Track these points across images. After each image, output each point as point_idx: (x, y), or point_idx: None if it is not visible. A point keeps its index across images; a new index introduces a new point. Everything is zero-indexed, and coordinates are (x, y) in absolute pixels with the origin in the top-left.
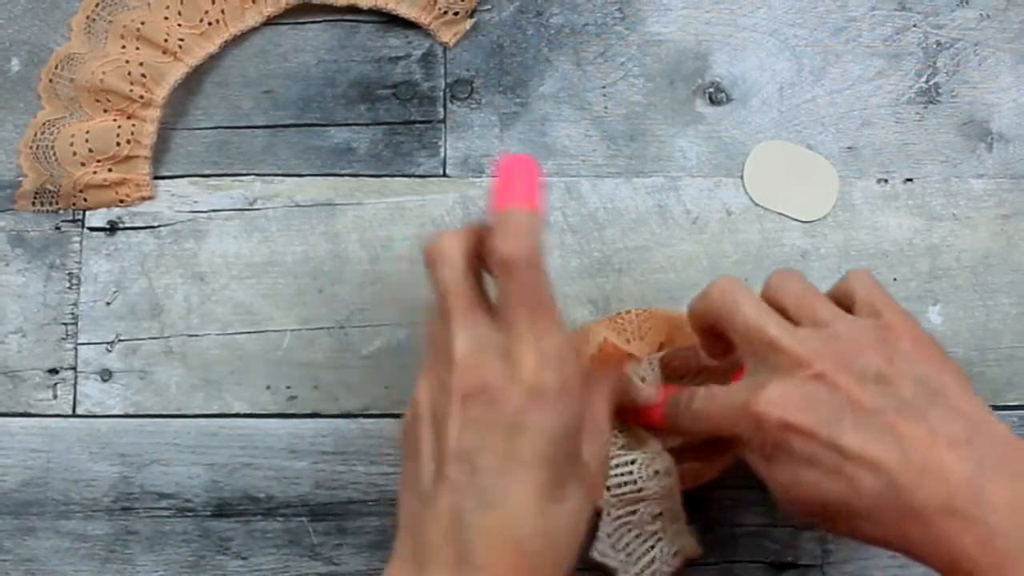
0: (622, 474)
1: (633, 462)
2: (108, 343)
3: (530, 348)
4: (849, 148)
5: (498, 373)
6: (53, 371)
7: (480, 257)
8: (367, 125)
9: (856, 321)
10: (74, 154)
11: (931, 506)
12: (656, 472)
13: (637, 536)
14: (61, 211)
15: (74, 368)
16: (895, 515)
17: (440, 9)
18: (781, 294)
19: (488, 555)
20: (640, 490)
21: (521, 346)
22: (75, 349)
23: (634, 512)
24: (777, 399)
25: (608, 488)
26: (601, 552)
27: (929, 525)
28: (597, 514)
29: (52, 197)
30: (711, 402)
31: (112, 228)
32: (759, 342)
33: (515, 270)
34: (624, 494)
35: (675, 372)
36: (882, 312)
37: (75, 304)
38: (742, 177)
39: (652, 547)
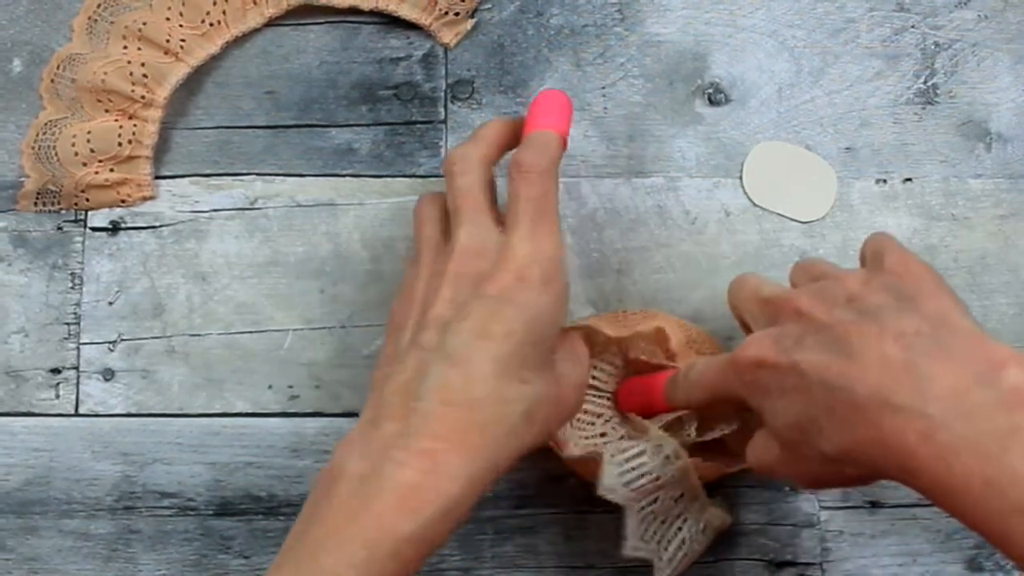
0: (635, 467)
1: (642, 452)
2: (110, 343)
3: (525, 243)
4: (847, 149)
5: (491, 259)
6: (55, 371)
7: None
8: (368, 126)
9: (855, 269)
10: (76, 154)
11: (874, 401)
12: (667, 457)
13: (663, 523)
14: (63, 211)
15: (76, 368)
16: (847, 421)
17: (441, 10)
18: (798, 271)
19: (437, 410)
20: (657, 478)
21: (518, 240)
22: (77, 349)
23: (655, 500)
24: (752, 344)
25: (626, 485)
26: (633, 547)
27: (876, 425)
28: (619, 509)
29: (54, 197)
30: (705, 367)
31: (114, 228)
32: (756, 305)
33: (528, 176)
34: (642, 486)
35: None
36: (884, 255)
37: (77, 304)
38: (741, 178)
39: (680, 529)
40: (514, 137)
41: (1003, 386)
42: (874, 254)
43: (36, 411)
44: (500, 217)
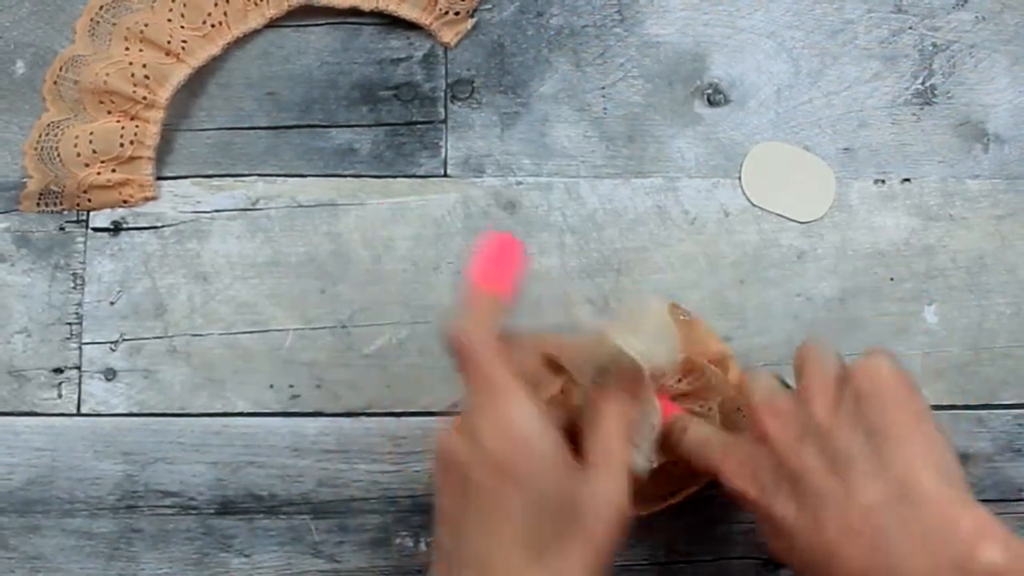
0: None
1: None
2: (112, 343)
3: (487, 423)
4: (846, 149)
5: (466, 449)
6: (58, 370)
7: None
8: (369, 126)
9: (825, 384)
10: (78, 155)
11: (852, 572)
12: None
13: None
14: (65, 212)
15: (79, 367)
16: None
17: (441, 9)
18: (799, 365)
19: None
20: None
21: (480, 422)
22: (79, 349)
23: None
24: (737, 474)
25: None
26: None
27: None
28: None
29: (56, 198)
30: (701, 441)
31: (116, 228)
32: (745, 406)
33: (467, 352)
34: None
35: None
36: (853, 372)
37: (79, 304)
38: (740, 178)
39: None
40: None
41: (979, 570)
42: (841, 368)
43: (39, 411)
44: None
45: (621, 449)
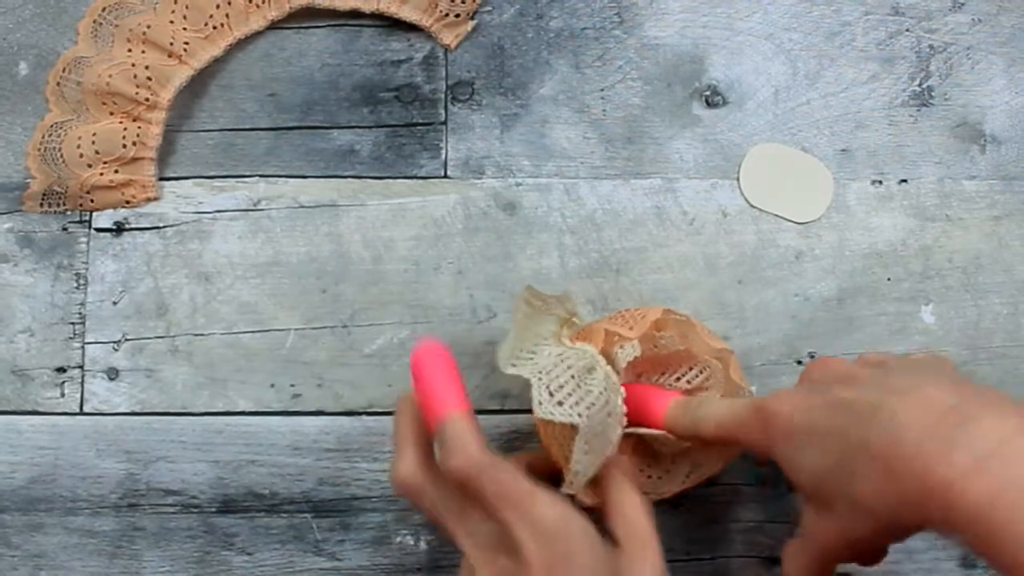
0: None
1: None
2: (115, 342)
3: (525, 534)
4: (843, 150)
5: (511, 567)
6: (61, 370)
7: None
8: (370, 127)
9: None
10: (81, 156)
11: (919, 440)
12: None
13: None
14: (68, 212)
15: (81, 367)
16: (887, 462)
17: (441, 12)
18: (811, 369)
19: None
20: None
21: (517, 536)
22: (82, 348)
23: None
24: (783, 393)
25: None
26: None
27: (920, 465)
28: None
29: (59, 198)
30: (725, 408)
31: (118, 229)
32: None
33: (472, 480)
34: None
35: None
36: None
37: (82, 304)
38: (738, 179)
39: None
40: (422, 417)
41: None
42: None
43: (41, 410)
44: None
45: (647, 524)
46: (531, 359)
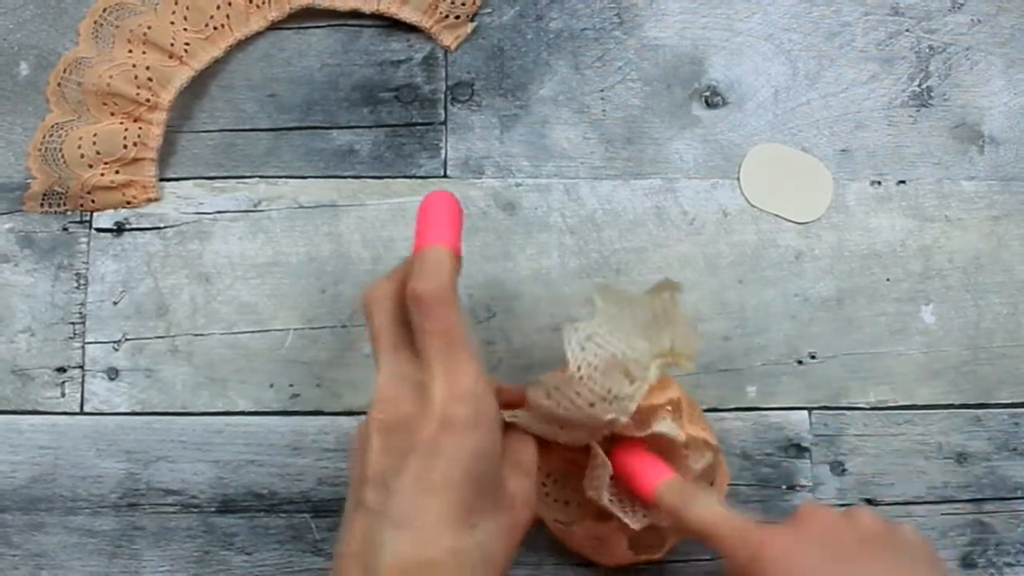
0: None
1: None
2: (115, 342)
3: (441, 382)
4: (843, 150)
5: (413, 405)
6: (61, 369)
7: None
8: (369, 127)
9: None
10: (82, 156)
11: None
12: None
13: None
14: (69, 212)
15: (82, 367)
16: None
17: (441, 13)
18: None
19: (395, 574)
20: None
21: (434, 380)
22: (82, 348)
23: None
24: (782, 538)
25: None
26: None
27: None
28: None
29: (60, 199)
30: (714, 505)
31: (119, 229)
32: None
33: (426, 306)
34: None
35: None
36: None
37: (82, 304)
38: (738, 179)
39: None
40: None
41: None
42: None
43: (42, 409)
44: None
45: (534, 459)
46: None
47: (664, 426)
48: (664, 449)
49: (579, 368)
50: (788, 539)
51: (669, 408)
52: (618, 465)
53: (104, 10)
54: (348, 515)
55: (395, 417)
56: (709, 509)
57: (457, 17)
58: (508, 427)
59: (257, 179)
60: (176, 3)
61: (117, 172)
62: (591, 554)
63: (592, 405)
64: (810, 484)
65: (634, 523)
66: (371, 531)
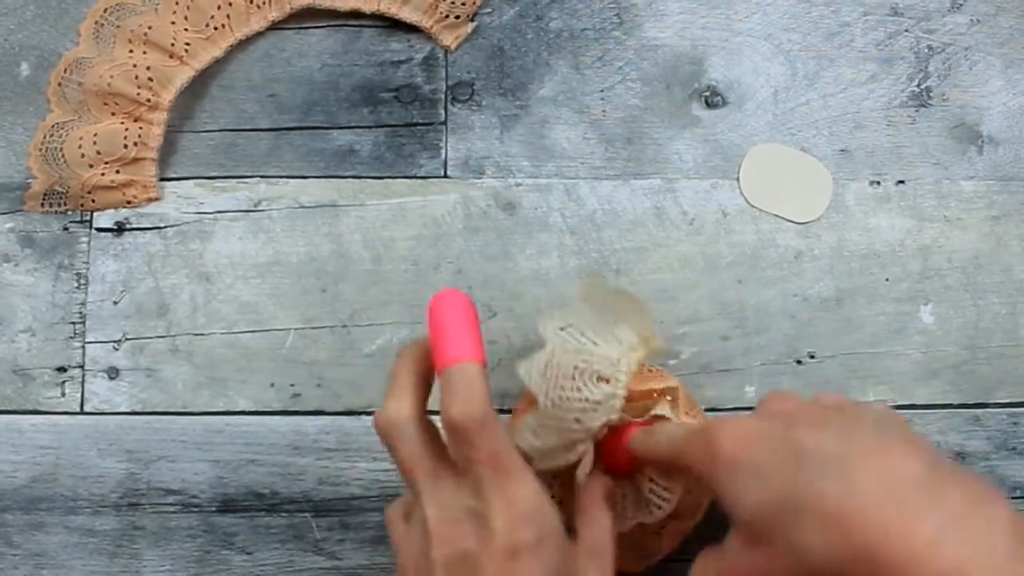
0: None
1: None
2: (115, 342)
3: (500, 510)
4: (842, 151)
5: (473, 538)
6: (61, 369)
7: (426, 394)
8: (370, 128)
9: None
10: (82, 156)
11: (879, 495)
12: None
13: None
14: (69, 212)
15: (82, 366)
16: (839, 515)
17: (442, 13)
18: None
19: None
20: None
21: (491, 510)
22: (83, 348)
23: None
24: (735, 420)
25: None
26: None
27: (876, 532)
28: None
29: (61, 198)
30: (677, 429)
31: (119, 229)
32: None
33: (469, 434)
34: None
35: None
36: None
37: (83, 303)
38: (738, 179)
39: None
40: (429, 363)
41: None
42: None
43: (43, 409)
44: (455, 463)
45: (610, 541)
46: (573, 340)
47: (662, 409)
48: None
49: (547, 392)
50: (742, 425)
51: (668, 397)
52: (603, 453)
53: (105, 10)
54: None
55: (459, 554)
56: (669, 434)
57: (457, 17)
58: (579, 511)
59: (257, 179)
60: (177, 3)
61: (118, 172)
62: None
63: (578, 421)
64: None
65: (620, 525)
66: None
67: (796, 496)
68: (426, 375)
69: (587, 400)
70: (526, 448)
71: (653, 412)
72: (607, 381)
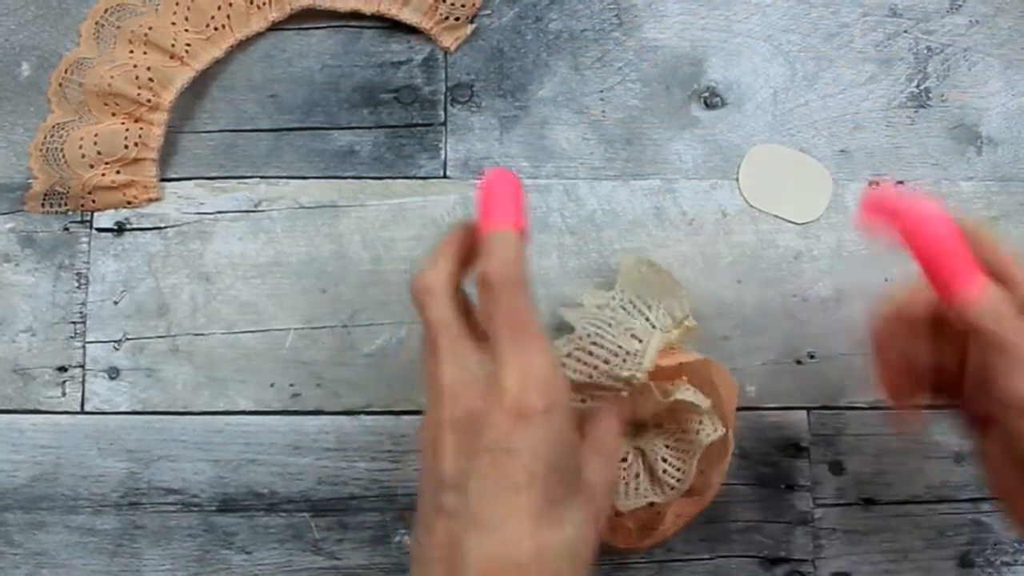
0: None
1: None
2: (116, 342)
3: (513, 371)
4: (842, 151)
5: (483, 399)
6: (62, 369)
7: (464, 268)
8: (370, 128)
9: None
10: (83, 156)
11: None
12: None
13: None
14: (70, 212)
15: (83, 366)
16: None
17: (441, 15)
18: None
19: None
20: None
21: (504, 370)
22: (83, 347)
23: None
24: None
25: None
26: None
27: None
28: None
29: (61, 199)
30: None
31: (119, 229)
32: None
33: (499, 292)
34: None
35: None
36: None
37: (83, 303)
38: (737, 179)
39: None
40: (472, 240)
41: None
42: None
43: (43, 409)
44: (479, 330)
45: (615, 444)
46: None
47: (688, 394)
48: (680, 416)
49: (586, 330)
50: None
51: (687, 386)
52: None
53: (105, 11)
54: (426, 518)
55: (467, 413)
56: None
57: (457, 19)
58: (593, 412)
59: (258, 179)
60: (177, 4)
61: (118, 172)
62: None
63: (606, 362)
64: (809, 483)
65: (632, 503)
66: (454, 535)
67: None
68: (467, 251)
69: (620, 347)
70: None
71: (676, 397)
72: (639, 340)
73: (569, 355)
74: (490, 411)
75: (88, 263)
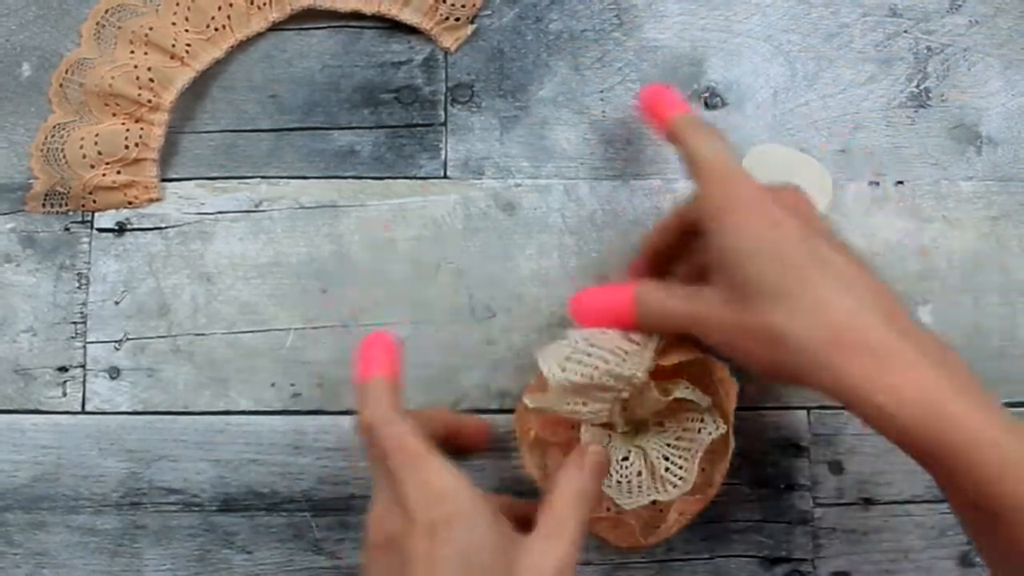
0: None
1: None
2: (116, 342)
3: (413, 488)
4: (841, 151)
5: (396, 522)
6: (63, 369)
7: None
8: (370, 128)
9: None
10: (84, 157)
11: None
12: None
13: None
14: (71, 212)
15: (83, 366)
16: (832, 330)
17: (442, 15)
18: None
19: None
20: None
21: (405, 489)
22: (84, 347)
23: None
24: (750, 191)
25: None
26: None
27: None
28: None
29: (62, 199)
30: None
31: (120, 229)
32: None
33: (378, 429)
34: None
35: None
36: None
37: (84, 303)
38: None
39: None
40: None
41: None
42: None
43: (44, 409)
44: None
45: (574, 520)
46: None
47: (688, 393)
48: (681, 415)
49: (583, 332)
50: (758, 193)
51: (687, 386)
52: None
53: (106, 11)
54: None
55: (384, 538)
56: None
57: (457, 19)
58: (550, 478)
59: (258, 180)
60: (178, 4)
61: (119, 172)
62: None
63: (606, 362)
64: (808, 483)
65: (635, 502)
66: None
67: (810, 295)
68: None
69: (618, 347)
70: (547, 376)
71: (676, 395)
72: (638, 344)
73: (568, 358)
74: (405, 533)
75: (89, 263)
